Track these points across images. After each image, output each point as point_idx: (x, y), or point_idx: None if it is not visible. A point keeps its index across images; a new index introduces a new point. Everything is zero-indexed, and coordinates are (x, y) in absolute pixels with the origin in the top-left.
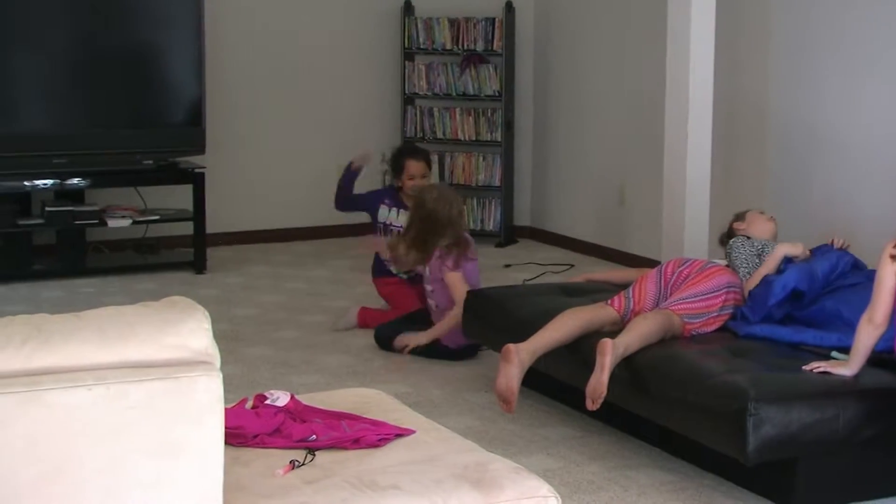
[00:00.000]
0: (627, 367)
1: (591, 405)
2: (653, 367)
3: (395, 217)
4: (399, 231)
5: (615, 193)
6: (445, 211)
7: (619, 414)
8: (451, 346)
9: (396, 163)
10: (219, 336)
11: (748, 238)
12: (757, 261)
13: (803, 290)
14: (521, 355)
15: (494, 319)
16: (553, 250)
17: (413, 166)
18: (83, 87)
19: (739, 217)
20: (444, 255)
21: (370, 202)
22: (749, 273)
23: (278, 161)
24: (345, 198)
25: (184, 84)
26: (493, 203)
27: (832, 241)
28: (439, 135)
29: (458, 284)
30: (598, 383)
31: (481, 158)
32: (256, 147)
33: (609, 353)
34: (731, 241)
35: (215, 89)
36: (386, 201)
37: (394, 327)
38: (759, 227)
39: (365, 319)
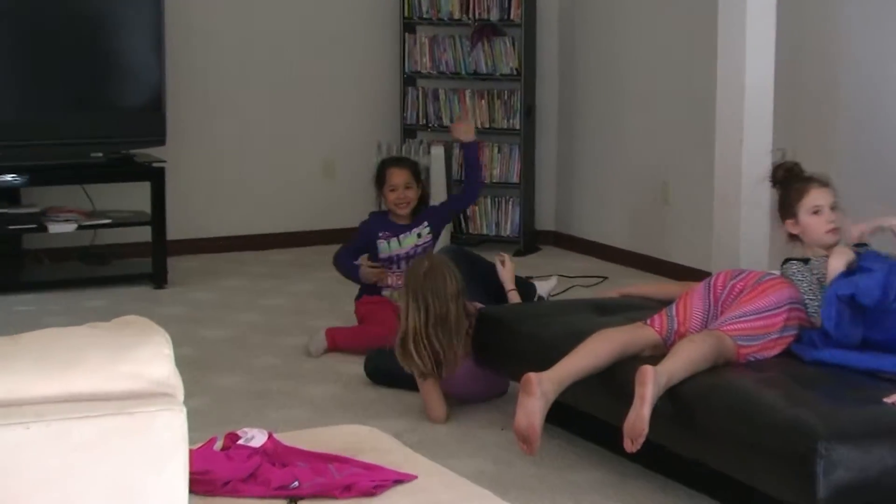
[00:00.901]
0: (671, 399)
1: (630, 445)
2: (702, 399)
3: (398, 246)
4: (405, 259)
5: (657, 192)
6: (443, 298)
7: (662, 456)
8: (467, 394)
9: (378, 174)
10: (182, 363)
11: (805, 263)
12: (820, 289)
13: (864, 302)
14: (544, 386)
15: (511, 343)
16: (582, 260)
17: (395, 175)
18: (20, 64)
19: (792, 204)
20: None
21: (365, 244)
22: (816, 300)
23: (253, 155)
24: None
25: (140, 61)
26: (510, 203)
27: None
28: (446, 121)
29: None
30: (638, 419)
31: (496, 150)
32: (227, 138)
33: (650, 383)
34: (784, 267)
35: (178, 68)
36: (381, 234)
37: (384, 359)
38: (815, 232)
39: (335, 340)
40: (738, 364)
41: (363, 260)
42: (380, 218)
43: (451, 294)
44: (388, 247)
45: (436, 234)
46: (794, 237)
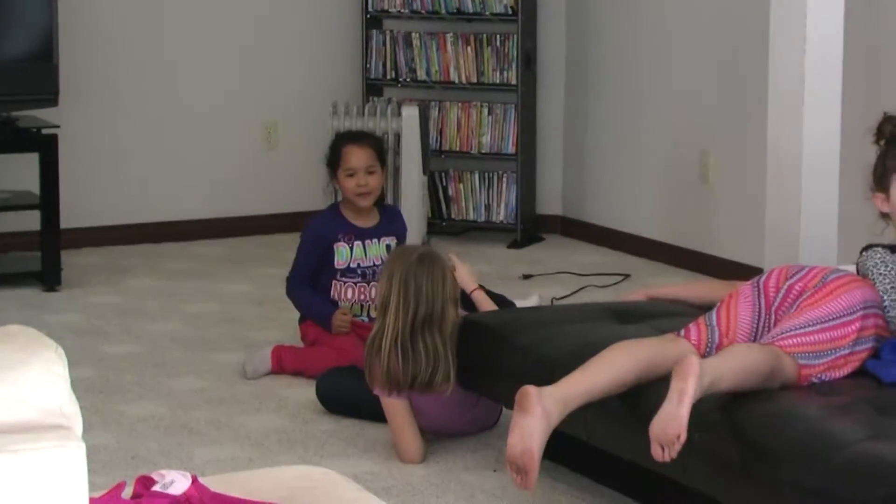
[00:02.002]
0: (709, 431)
1: (661, 453)
2: (750, 431)
3: (361, 255)
4: (369, 272)
5: (693, 166)
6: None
7: (692, 500)
8: (448, 426)
9: (331, 154)
10: (81, 386)
11: (893, 251)
12: None
13: None
14: (545, 404)
15: (504, 360)
16: (597, 253)
17: (354, 155)
18: None
19: (888, 173)
20: None
21: (321, 250)
22: None
23: (172, 119)
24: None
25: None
26: (504, 181)
27: None
28: (420, 75)
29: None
30: (673, 419)
31: (486, 112)
32: (138, 97)
33: (693, 377)
34: (864, 255)
35: (74, 6)
36: (340, 237)
37: (343, 379)
38: None
39: (281, 361)
40: (798, 387)
41: (339, 311)
42: (331, 217)
43: (450, 294)
44: (350, 253)
45: None
46: (884, 216)
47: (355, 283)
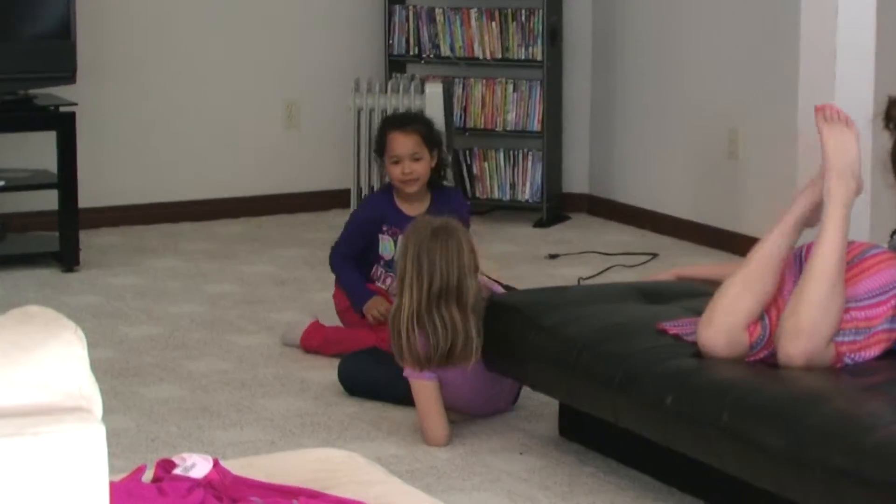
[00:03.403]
0: (735, 410)
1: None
2: (781, 412)
3: None
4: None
5: (723, 142)
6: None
7: (720, 483)
8: (474, 405)
9: (378, 140)
10: (101, 368)
11: None
12: None
13: None
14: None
15: (530, 339)
16: (624, 232)
17: (398, 142)
18: None
19: None
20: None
21: (368, 233)
22: None
23: (191, 98)
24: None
25: None
26: (529, 159)
27: None
28: (444, 51)
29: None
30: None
31: (510, 88)
32: (157, 75)
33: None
34: (894, 238)
35: None
36: (385, 228)
37: (365, 362)
38: None
39: (311, 340)
40: (832, 367)
41: (376, 300)
42: (383, 200)
43: (467, 265)
44: (394, 247)
45: None
46: None
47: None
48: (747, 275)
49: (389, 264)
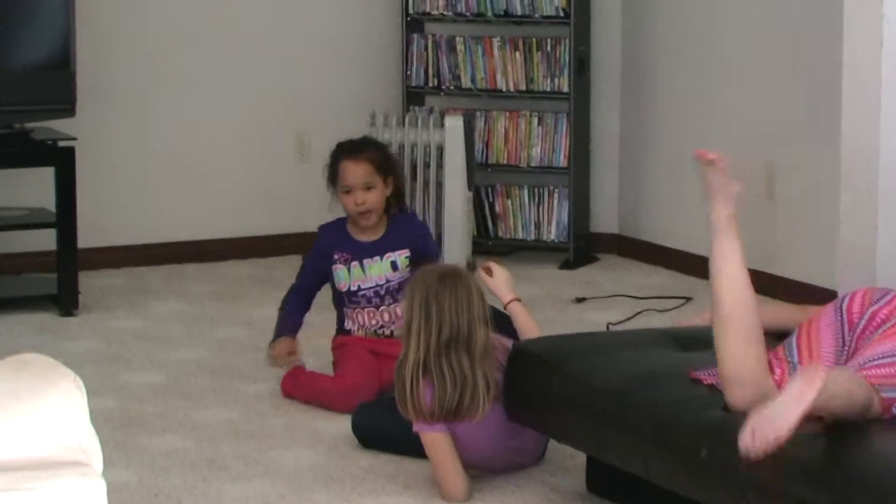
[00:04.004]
0: (775, 465)
1: (750, 442)
2: (824, 468)
3: (361, 275)
4: (375, 295)
5: (758, 180)
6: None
7: None
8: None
9: (330, 169)
10: (101, 419)
11: None
12: None
13: None
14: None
15: (554, 388)
16: (656, 274)
17: (349, 171)
18: None
19: None
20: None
21: (322, 263)
22: None
23: (197, 132)
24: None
25: (41, 2)
26: (555, 196)
27: None
28: (465, 82)
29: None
30: (784, 416)
31: (535, 122)
32: (161, 108)
33: (820, 382)
34: None
35: (94, 10)
36: (336, 256)
37: (379, 412)
38: None
39: (287, 384)
40: (882, 420)
41: (284, 342)
42: (335, 228)
43: (478, 314)
44: (348, 275)
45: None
46: None
47: (363, 308)
48: (732, 322)
49: (351, 296)
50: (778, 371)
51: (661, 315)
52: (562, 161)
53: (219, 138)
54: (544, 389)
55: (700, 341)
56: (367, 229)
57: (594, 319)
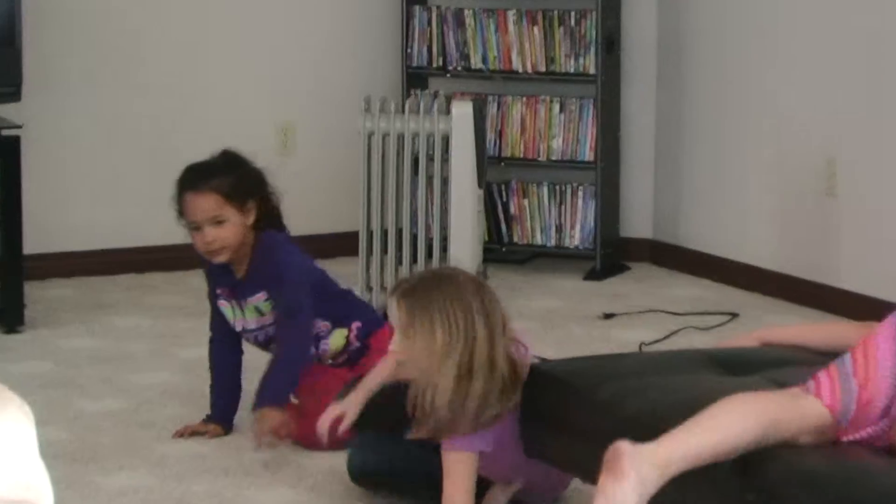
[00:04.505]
0: None
1: None
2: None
3: (240, 315)
4: (265, 338)
5: (817, 177)
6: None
7: None
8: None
9: (177, 201)
10: (51, 452)
11: None
12: None
13: None
14: (641, 466)
15: (579, 419)
16: (696, 286)
17: (192, 206)
18: None
19: None
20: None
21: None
22: None
23: (163, 119)
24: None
25: None
26: (580, 195)
27: None
28: (475, 62)
29: None
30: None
31: (557, 108)
32: (120, 92)
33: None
34: None
35: None
36: (219, 291)
37: (386, 446)
38: None
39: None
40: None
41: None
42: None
43: (495, 321)
44: (232, 313)
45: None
46: None
47: (261, 350)
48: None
49: (246, 336)
50: (826, 387)
51: (703, 334)
52: (587, 154)
53: (188, 129)
54: (566, 420)
55: (747, 364)
56: (239, 262)
57: (624, 339)
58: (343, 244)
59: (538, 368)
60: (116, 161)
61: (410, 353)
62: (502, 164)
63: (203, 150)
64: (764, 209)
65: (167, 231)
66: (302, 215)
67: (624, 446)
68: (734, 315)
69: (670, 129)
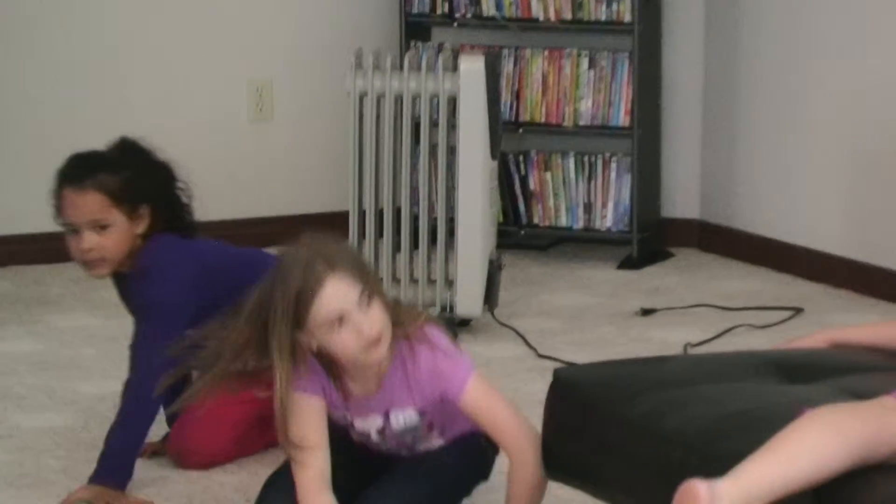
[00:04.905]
0: None
1: None
2: None
3: None
4: None
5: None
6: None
7: None
8: None
9: (55, 198)
10: None
11: None
12: None
13: None
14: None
15: (610, 437)
16: (752, 276)
17: (70, 205)
18: None
19: None
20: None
21: None
22: None
23: (114, 76)
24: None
25: None
26: (613, 168)
27: None
28: (487, 9)
29: (495, 407)
30: None
31: (585, 65)
32: (62, 41)
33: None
34: None
35: None
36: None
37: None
38: None
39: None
40: None
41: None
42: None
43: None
44: None
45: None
46: None
47: None
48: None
49: None
50: None
51: (761, 333)
52: (622, 119)
53: (144, 89)
54: (594, 437)
55: (812, 370)
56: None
57: (666, 339)
58: (330, 227)
59: (562, 375)
60: (58, 123)
61: None
62: (520, 130)
63: (165, 116)
64: (834, 186)
65: None
66: (279, 193)
67: (698, 487)
68: (797, 310)
69: (721, 88)
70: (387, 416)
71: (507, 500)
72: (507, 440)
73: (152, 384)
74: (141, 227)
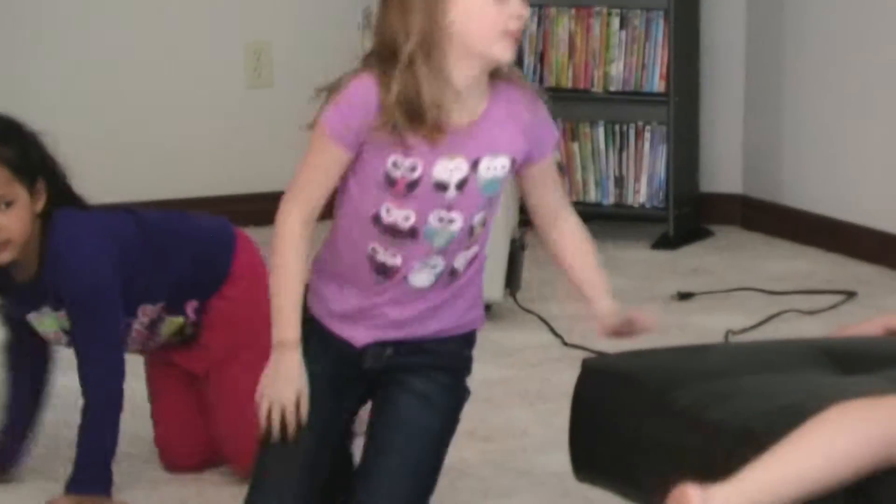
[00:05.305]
0: None
1: None
2: None
3: (40, 325)
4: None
5: None
6: None
7: None
8: None
9: None
10: None
11: None
12: None
13: None
14: None
15: (647, 431)
16: (801, 256)
17: None
18: None
19: None
20: None
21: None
22: None
23: (100, 43)
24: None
25: None
26: (647, 139)
27: None
28: None
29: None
30: None
31: (617, 24)
32: (46, 9)
33: None
34: None
35: None
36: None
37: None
38: None
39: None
40: None
41: None
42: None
43: None
44: (38, 322)
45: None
46: None
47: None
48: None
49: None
50: None
51: (810, 319)
52: (657, 85)
53: (133, 56)
54: (627, 432)
55: (867, 359)
56: (25, 262)
57: (706, 325)
58: (332, 200)
59: (591, 365)
60: (41, 94)
61: None
62: (544, 97)
63: (155, 85)
64: (891, 158)
65: (106, 187)
66: (279, 167)
67: (690, 492)
68: (851, 294)
69: (766, 51)
70: (475, 165)
71: (576, 271)
72: (564, 208)
73: (117, 375)
74: (39, 205)
